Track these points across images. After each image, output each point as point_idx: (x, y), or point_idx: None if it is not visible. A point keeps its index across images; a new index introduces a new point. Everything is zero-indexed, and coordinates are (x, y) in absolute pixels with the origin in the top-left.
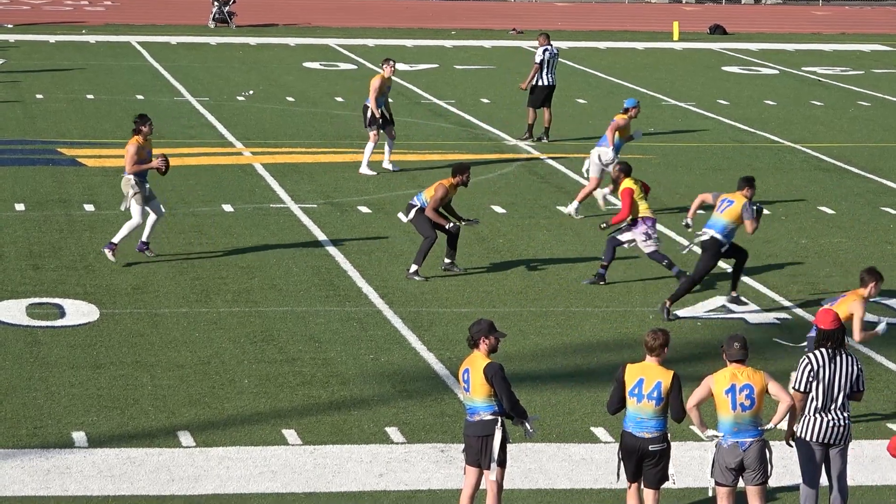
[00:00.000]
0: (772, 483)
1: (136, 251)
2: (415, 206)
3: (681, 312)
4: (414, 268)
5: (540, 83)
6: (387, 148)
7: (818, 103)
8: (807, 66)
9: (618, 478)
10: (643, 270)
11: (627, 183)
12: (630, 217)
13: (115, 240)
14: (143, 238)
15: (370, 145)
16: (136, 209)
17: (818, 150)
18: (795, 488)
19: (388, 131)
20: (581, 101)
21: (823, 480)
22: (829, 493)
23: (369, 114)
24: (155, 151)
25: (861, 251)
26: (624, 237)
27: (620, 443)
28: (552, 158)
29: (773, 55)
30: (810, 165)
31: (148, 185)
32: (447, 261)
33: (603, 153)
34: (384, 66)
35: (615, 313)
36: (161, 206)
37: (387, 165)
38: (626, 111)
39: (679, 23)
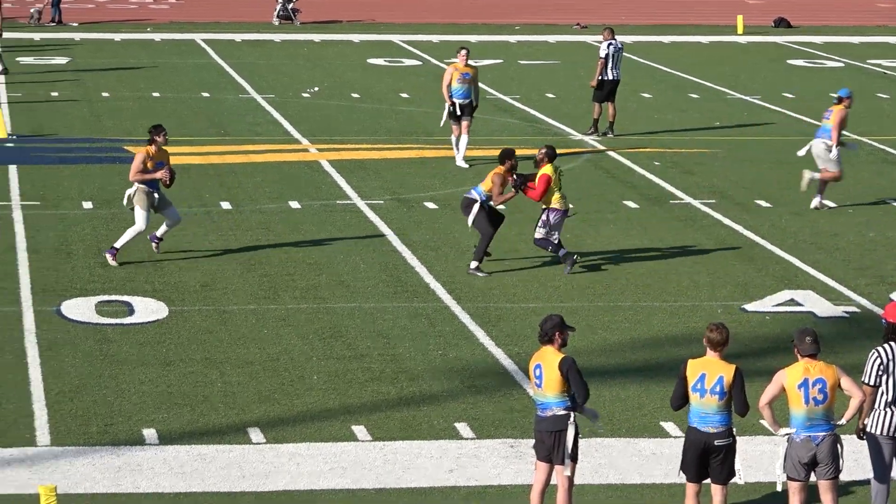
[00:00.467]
0: (843, 477)
1: (151, 246)
2: (474, 199)
3: (749, 307)
4: (474, 264)
5: (605, 78)
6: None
7: (884, 96)
8: (872, 59)
9: (679, 474)
10: (710, 265)
11: (547, 169)
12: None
13: (118, 244)
14: (157, 233)
15: (453, 138)
16: (140, 214)
17: (885, 143)
18: (867, 482)
19: (462, 125)
20: (646, 95)
21: (895, 475)
22: None
23: (447, 106)
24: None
25: None
26: (544, 217)
27: (686, 439)
28: (618, 153)
29: (837, 48)
30: (877, 158)
31: (157, 196)
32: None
33: (826, 146)
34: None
35: (683, 308)
36: (177, 212)
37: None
38: (840, 101)
39: (743, 16)
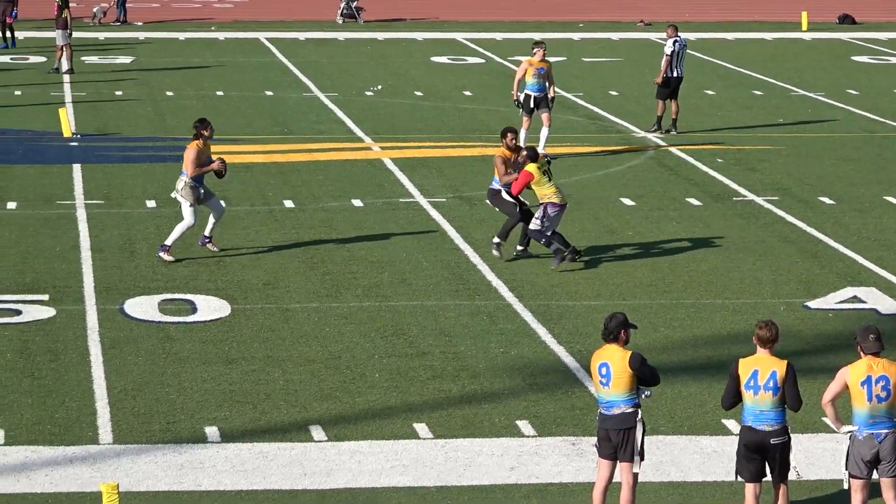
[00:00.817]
0: None
1: (209, 248)
2: (497, 189)
3: (812, 304)
4: (497, 240)
5: (669, 75)
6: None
7: None
8: None
9: (736, 477)
10: (773, 262)
11: (530, 166)
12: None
13: (168, 242)
14: (206, 232)
15: (522, 132)
16: (188, 210)
17: None
18: None
19: (542, 117)
20: (709, 92)
21: None
22: None
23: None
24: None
25: None
26: (540, 211)
27: (740, 438)
28: (681, 150)
29: None
30: None
31: (203, 190)
32: (520, 248)
33: None
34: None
35: (745, 305)
36: (221, 202)
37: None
38: None
39: (808, 12)
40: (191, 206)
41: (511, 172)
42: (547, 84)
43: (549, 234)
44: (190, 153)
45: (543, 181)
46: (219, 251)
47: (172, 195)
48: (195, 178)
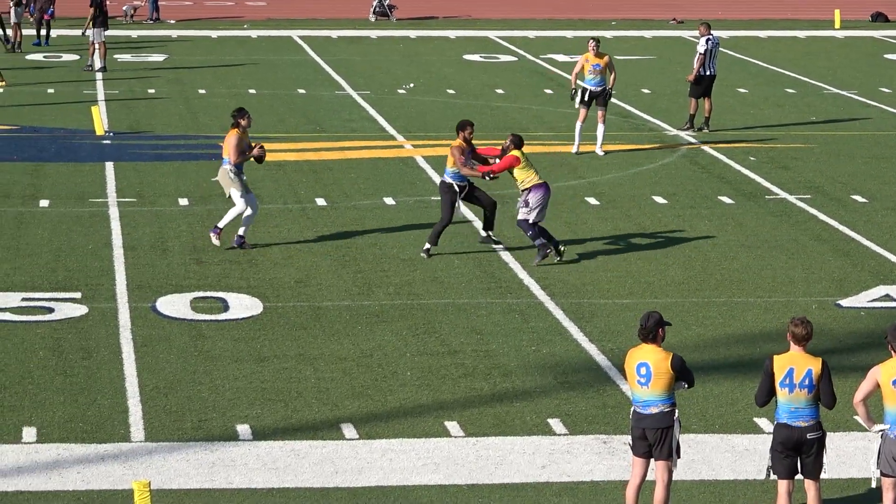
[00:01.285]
0: None
1: (233, 243)
2: (448, 182)
3: (844, 302)
4: (427, 246)
5: (702, 73)
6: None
7: None
8: None
9: (767, 476)
10: (805, 260)
11: (516, 152)
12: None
13: (221, 224)
14: (240, 233)
15: (578, 123)
16: (237, 196)
17: None
18: None
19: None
20: (742, 90)
21: None
22: None
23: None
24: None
25: None
26: (523, 197)
27: (775, 436)
28: (713, 148)
29: None
30: None
31: (245, 178)
32: (483, 234)
33: None
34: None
35: (778, 304)
36: (256, 200)
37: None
38: None
39: (840, 10)
40: (240, 193)
41: (466, 164)
42: (607, 76)
43: (536, 227)
44: (231, 139)
45: (526, 165)
46: (250, 248)
47: (214, 178)
48: (237, 165)
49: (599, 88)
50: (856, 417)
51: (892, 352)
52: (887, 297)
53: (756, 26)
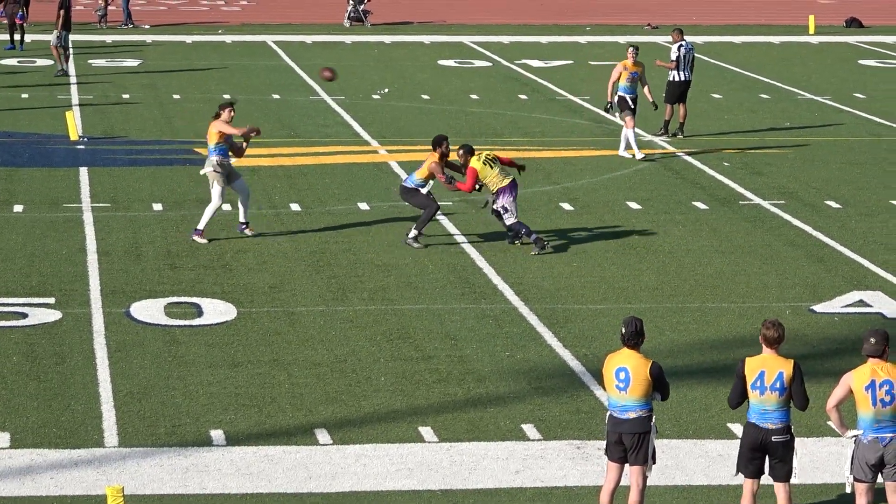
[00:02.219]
0: None
1: (247, 233)
2: (410, 187)
3: (817, 308)
4: (413, 233)
5: (675, 79)
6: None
7: None
8: None
9: (736, 472)
10: (779, 266)
11: (473, 162)
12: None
13: (200, 226)
14: (241, 219)
15: (629, 132)
16: (216, 192)
17: None
18: None
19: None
20: (716, 96)
21: None
22: None
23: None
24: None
25: None
26: (498, 204)
27: (743, 435)
28: (688, 154)
29: None
30: None
31: (230, 170)
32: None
33: None
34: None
35: (751, 309)
36: (246, 184)
37: (631, 154)
38: None
39: (815, 16)
40: (221, 188)
41: (451, 175)
42: (641, 86)
43: (510, 217)
44: (216, 125)
45: (488, 170)
46: (254, 235)
47: (203, 172)
48: (222, 153)
49: (634, 96)
50: (829, 423)
51: (866, 357)
52: (861, 303)
53: (731, 32)
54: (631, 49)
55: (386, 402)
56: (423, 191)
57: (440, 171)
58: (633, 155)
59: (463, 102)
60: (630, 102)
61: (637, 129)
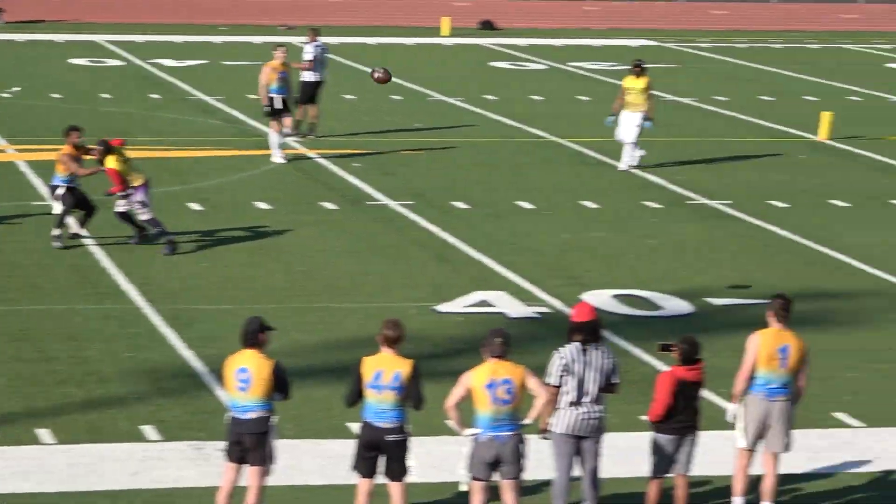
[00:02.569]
0: (527, 476)
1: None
2: (56, 185)
3: (441, 308)
4: (58, 231)
5: (308, 79)
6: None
7: (585, 98)
8: (574, 62)
9: (353, 469)
10: (405, 266)
11: (110, 162)
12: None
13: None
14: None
15: (275, 135)
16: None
17: (582, 145)
18: (549, 482)
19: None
20: (349, 97)
21: (577, 472)
22: (581, 486)
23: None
24: None
25: (621, 245)
26: (120, 207)
27: (360, 435)
28: (319, 154)
29: (541, 50)
30: (574, 160)
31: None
32: (75, 231)
33: None
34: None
35: (377, 309)
36: None
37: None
38: None
39: (450, 18)
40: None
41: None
42: (288, 86)
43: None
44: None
45: (127, 167)
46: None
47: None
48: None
49: (285, 97)
50: (447, 422)
51: (486, 356)
52: (484, 303)
53: (366, 33)
54: (279, 49)
55: (4, 404)
56: (60, 191)
57: (73, 162)
58: (272, 156)
59: (94, 101)
60: (282, 103)
61: (267, 129)
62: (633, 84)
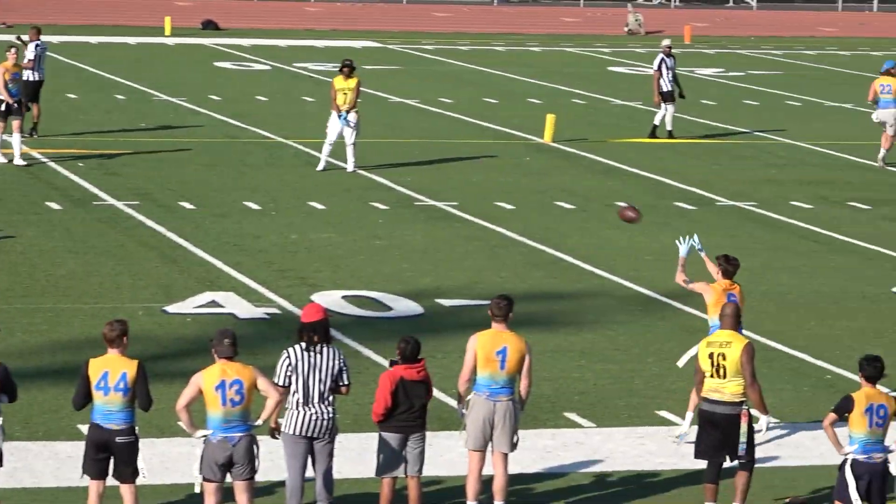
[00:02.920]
0: (260, 477)
1: None
2: None
3: (170, 308)
4: None
5: (29, 78)
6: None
7: (310, 99)
8: (299, 62)
9: (82, 474)
10: (132, 266)
11: None
12: None
13: None
14: None
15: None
16: None
17: (308, 146)
18: (283, 483)
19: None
20: (71, 95)
21: (310, 473)
22: (315, 486)
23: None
24: None
25: (350, 246)
26: None
27: (88, 436)
28: (42, 154)
29: (265, 51)
30: (301, 161)
31: None
32: None
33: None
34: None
35: (104, 310)
36: None
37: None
38: (888, 72)
39: (171, 18)
40: None
41: None
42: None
43: None
44: None
45: None
46: None
47: None
48: None
49: (19, 98)
50: (179, 423)
51: (216, 357)
52: (213, 303)
53: (88, 31)
54: (12, 49)
55: None
56: None
57: None
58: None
59: None
60: (17, 104)
61: None
62: (344, 84)
